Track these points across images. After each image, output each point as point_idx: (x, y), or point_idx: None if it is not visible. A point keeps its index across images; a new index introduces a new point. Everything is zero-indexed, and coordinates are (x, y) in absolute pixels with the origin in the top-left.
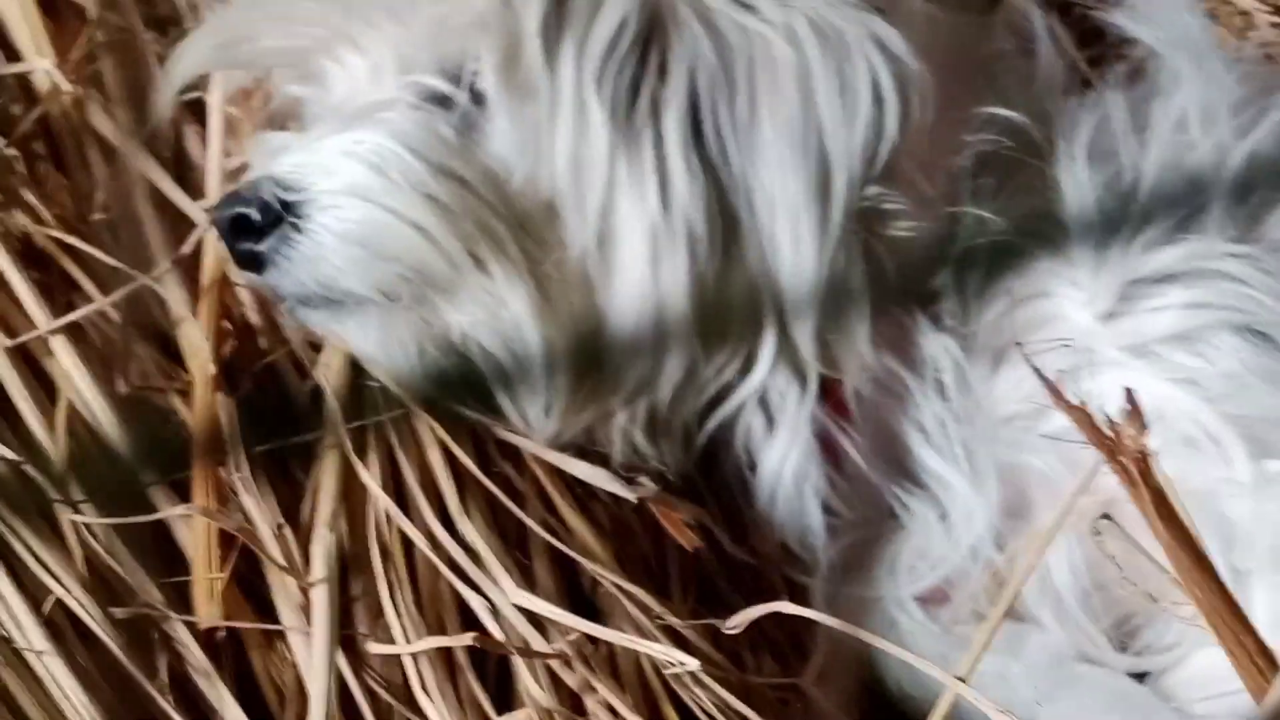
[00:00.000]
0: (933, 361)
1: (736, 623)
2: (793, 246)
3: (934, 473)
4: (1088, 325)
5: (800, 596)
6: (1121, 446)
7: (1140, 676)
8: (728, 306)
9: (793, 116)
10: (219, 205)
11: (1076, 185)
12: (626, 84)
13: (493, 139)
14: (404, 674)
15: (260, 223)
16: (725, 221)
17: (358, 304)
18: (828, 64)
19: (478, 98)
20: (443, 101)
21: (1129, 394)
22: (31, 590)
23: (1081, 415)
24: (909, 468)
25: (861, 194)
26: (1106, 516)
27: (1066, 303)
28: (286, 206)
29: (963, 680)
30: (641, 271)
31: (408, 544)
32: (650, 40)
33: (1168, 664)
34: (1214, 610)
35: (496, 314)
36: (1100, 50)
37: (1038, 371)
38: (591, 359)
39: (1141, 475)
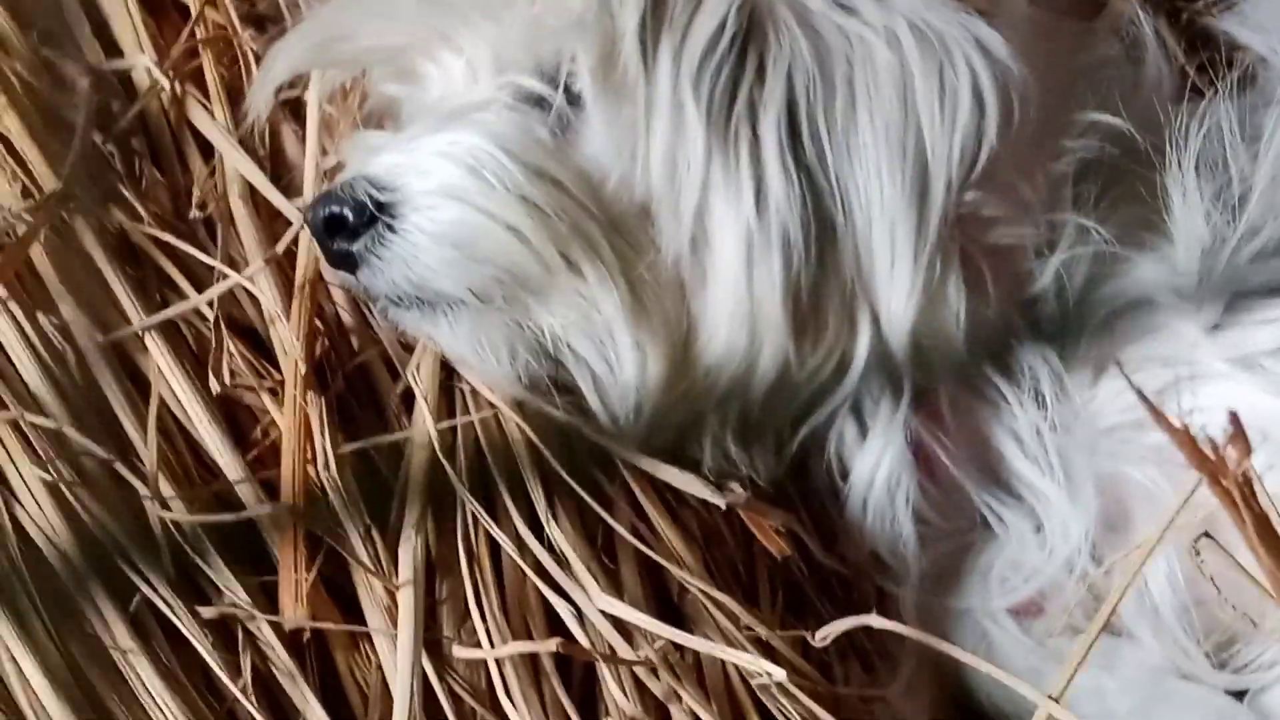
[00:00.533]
0: (1030, 370)
1: (825, 634)
2: (889, 251)
3: (1029, 483)
4: (1193, 336)
5: (891, 605)
6: (1224, 469)
7: (1239, 695)
8: (821, 311)
9: (891, 120)
10: (313, 204)
11: (1184, 194)
12: (724, 86)
13: (588, 140)
14: (489, 678)
15: (354, 222)
16: (820, 226)
17: (450, 305)
18: (928, 67)
19: (573, 99)
20: (538, 102)
21: (1233, 416)
22: (119, 589)
23: (1183, 436)
24: (1003, 477)
25: (960, 199)
26: (1207, 535)
27: (1172, 313)
28: (380, 206)
29: (1055, 700)
30: (736, 275)
31: (495, 547)
32: (748, 41)
33: (1267, 682)
34: None
35: (589, 316)
36: (1209, 56)
37: (1137, 390)
38: (683, 363)
39: (1244, 499)
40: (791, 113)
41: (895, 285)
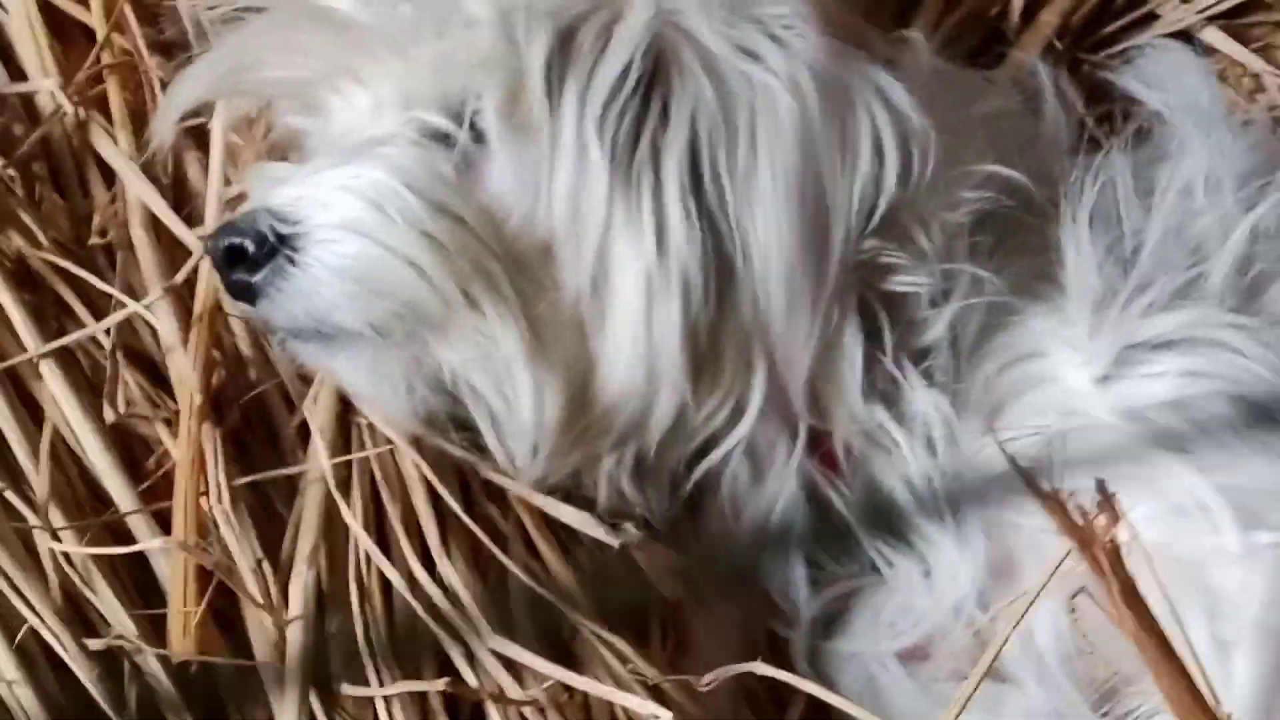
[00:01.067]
0: (923, 417)
1: (711, 679)
2: (786, 297)
3: (919, 529)
4: (1082, 387)
5: (781, 648)
6: (1093, 537)
7: None
8: (719, 354)
9: (792, 166)
10: (214, 235)
11: (1078, 247)
12: (628, 128)
13: (492, 178)
14: (376, 716)
15: (255, 254)
16: (720, 269)
17: (349, 339)
18: (829, 116)
19: (478, 136)
20: (443, 138)
21: (1100, 484)
22: (6, 618)
23: (1054, 504)
24: (894, 523)
25: (858, 247)
26: (1084, 590)
27: (1062, 364)
28: (281, 239)
29: None
30: (635, 316)
31: (387, 583)
32: (653, 84)
33: None
34: (1181, 704)
35: (488, 353)
36: (1107, 109)
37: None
38: (581, 402)
39: (1111, 567)
40: (694, 156)
41: (792, 330)
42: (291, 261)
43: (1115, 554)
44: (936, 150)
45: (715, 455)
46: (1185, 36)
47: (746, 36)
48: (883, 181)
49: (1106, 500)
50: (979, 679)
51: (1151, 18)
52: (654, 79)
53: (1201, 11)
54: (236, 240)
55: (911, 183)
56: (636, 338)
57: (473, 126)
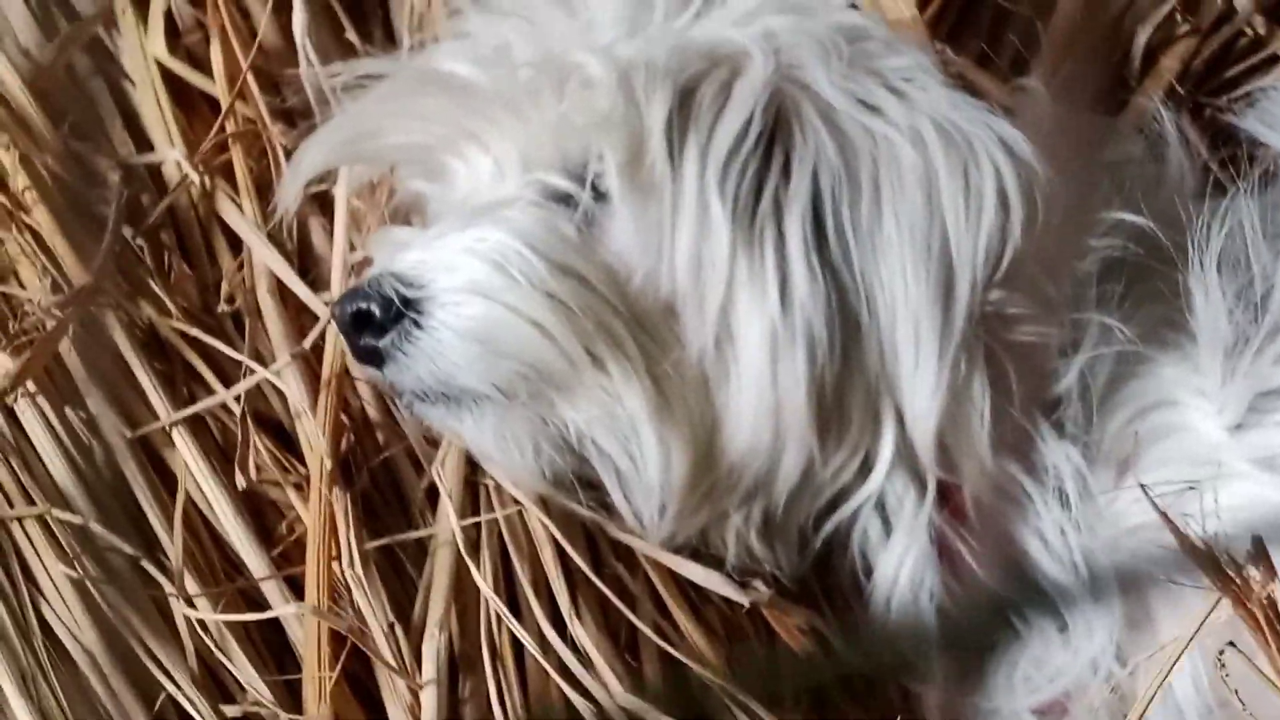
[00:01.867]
0: (1054, 469)
1: None
2: (913, 349)
3: (1053, 582)
4: (1216, 437)
5: (915, 705)
6: (1248, 591)
7: None
8: (845, 408)
9: (916, 219)
10: (340, 300)
11: (1207, 293)
12: (749, 184)
13: (614, 237)
14: None
15: (381, 319)
16: (845, 323)
17: (475, 401)
18: (953, 167)
19: (600, 196)
20: (565, 199)
21: (1256, 540)
22: (144, 685)
23: (1207, 557)
24: (1027, 576)
25: (985, 298)
26: (1231, 644)
27: (1194, 413)
28: (407, 303)
29: None
30: (760, 372)
31: (518, 645)
32: (774, 140)
33: None
34: None
35: (613, 412)
36: (1231, 152)
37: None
38: (707, 459)
39: (1269, 622)
40: (817, 210)
41: (920, 383)
42: (417, 325)
43: (1273, 610)
44: (1061, 198)
45: (844, 511)
46: None
47: (866, 89)
48: (1009, 232)
49: (1262, 555)
50: None
51: (1274, 60)
52: (775, 134)
53: None
54: (363, 305)
55: (1036, 232)
56: (762, 393)
57: (594, 186)
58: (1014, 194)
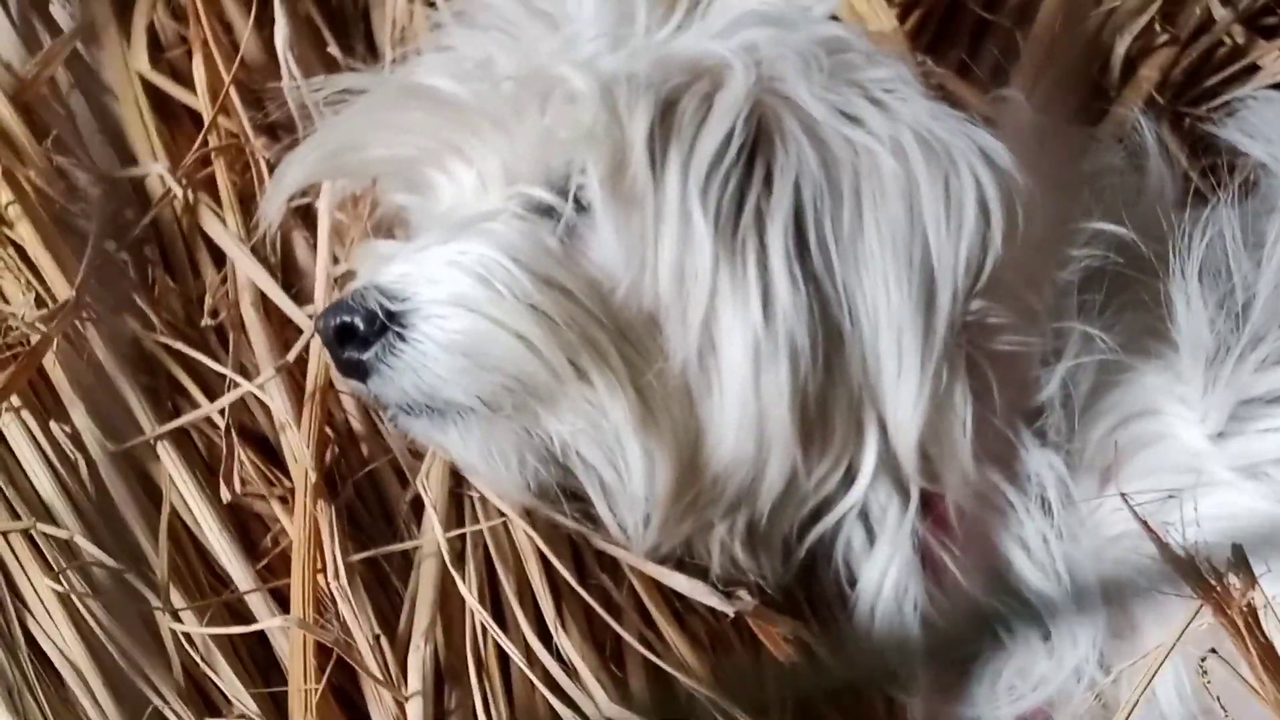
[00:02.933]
0: (1037, 477)
1: None
2: (895, 359)
3: (1036, 590)
4: (1198, 445)
5: (899, 714)
6: (1228, 599)
7: None
8: (829, 418)
9: (898, 229)
10: (324, 314)
11: (1188, 302)
12: (731, 195)
13: (597, 249)
14: None
15: (365, 331)
16: (827, 334)
17: (460, 413)
18: (934, 177)
19: (582, 208)
20: (547, 212)
21: (1236, 548)
22: (131, 699)
23: (1187, 566)
24: (1011, 584)
25: (967, 307)
26: (1213, 651)
27: (1176, 421)
28: (391, 316)
29: None
30: (744, 382)
31: (504, 656)
32: (755, 151)
33: None
34: None
35: (598, 424)
36: (1211, 162)
37: (1142, 521)
38: (692, 470)
39: (1248, 629)
40: (799, 221)
41: (902, 393)
42: (401, 338)
43: (1254, 618)
44: (1042, 208)
45: (828, 520)
46: None
47: (847, 101)
48: (989, 241)
49: (1242, 563)
50: None
51: (1253, 69)
52: (756, 145)
53: None
54: (347, 319)
55: (1017, 241)
56: (745, 404)
57: (577, 199)
58: (995, 204)
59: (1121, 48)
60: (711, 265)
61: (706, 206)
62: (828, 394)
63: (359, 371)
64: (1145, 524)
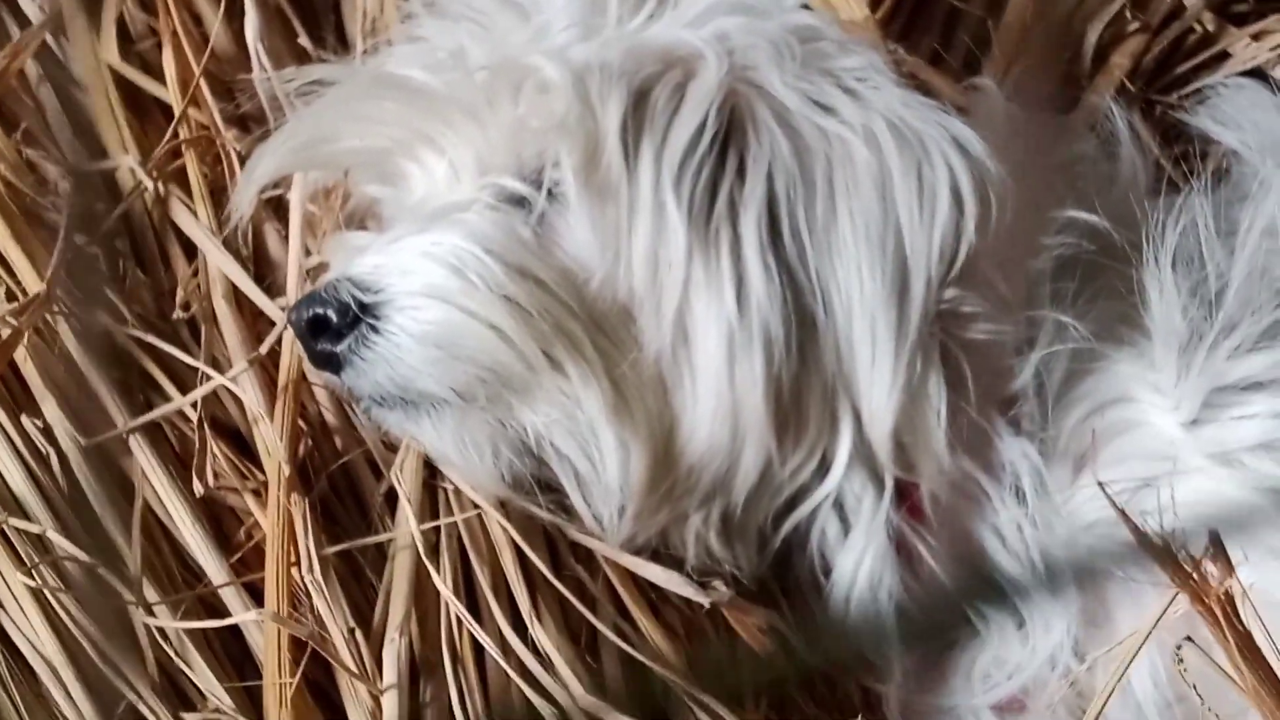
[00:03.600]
0: (1011, 466)
1: None
2: (869, 348)
3: (1010, 579)
4: (1172, 432)
5: (876, 704)
6: (1206, 587)
7: None
8: (803, 408)
9: (871, 217)
10: (297, 305)
11: (1161, 290)
12: (704, 185)
13: (570, 240)
14: None
15: (338, 324)
16: (801, 322)
17: (434, 405)
18: (906, 165)
19: (555, 199)
20: (520, 202)
21: (1213, 535)
22: (104, 694)
23: (1163, 554)
24: (985, 572)
25: (940, 296)
26: (1189, 639)
27: (1150, 409)
28: (364, 308)
29: None
30: (718, 372)
31: (479, 647)
32: (729, 141)
33: None
34: None
35: (572, 415)
36: (1184, 149)
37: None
38: (666, 460)
39: (1226, 618)
40: (772, 211)
41: (876, 381)
42: (374, 330)
43: (1231, 605)
44: (1014, 196)
45: (803, 510)
46: (1259, 74)
47: (820, 90)
48: (962, 229)
49: (1219, 551)
50: None
51: (1224, 56)
52: (729, 135)
53: (1275, 49)
54: (319, 310)
55: (991, 230)
56: (720, 394)
57: (550, 190)
58: (968, 192)
59: (1093, 35)
60: (685, 255)
61: (680, 196)
62: (802, 383)
63: (332, 364)
64: (1121, 511)
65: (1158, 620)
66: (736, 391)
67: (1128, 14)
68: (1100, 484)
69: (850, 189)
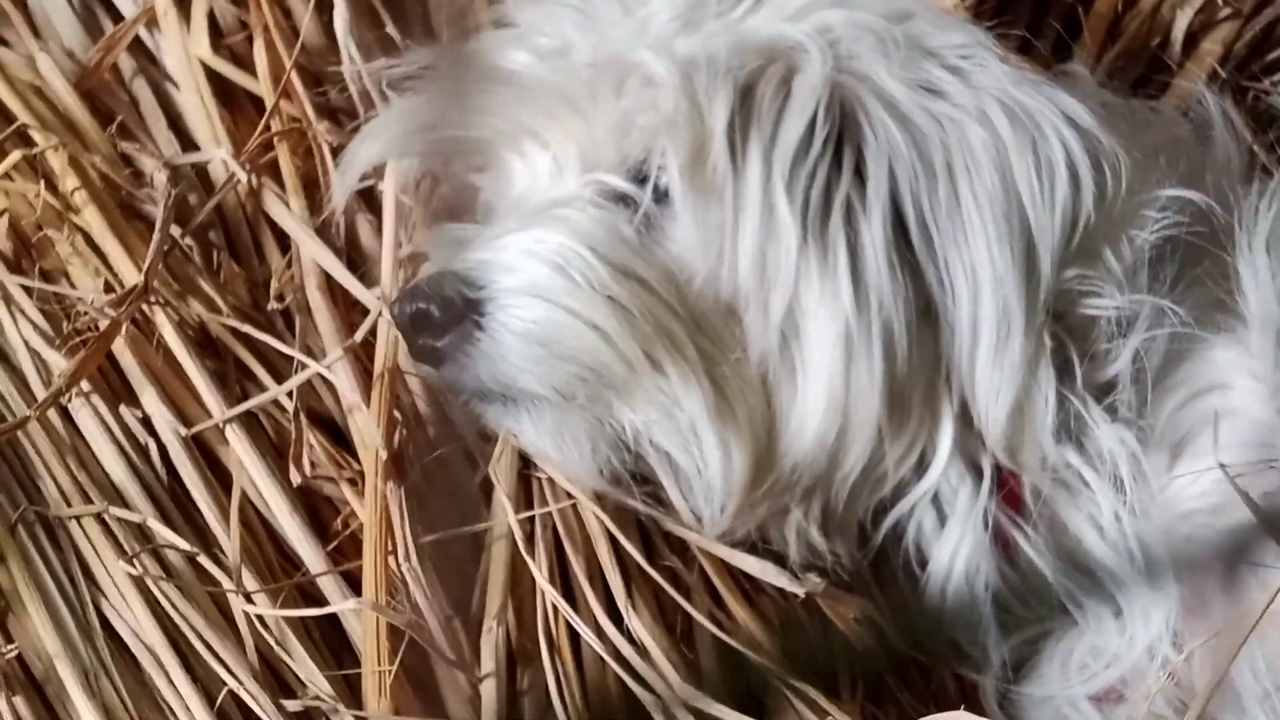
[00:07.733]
0: (1109, 454)
1: None
2: (998, 330)
3: (1108, 569)
4: (1270, 420)
5: (971, 694)
6: None
7: None
8: (906, 403)
9: (995, 197)
10: (399, 299)
11: (1256, 276)
12: (820, 185)
13: (674, 239)
14: None
15: (440, 319)
16: (919, 317)
17: (533, 402)
18: (1021, 143)
19: (660, 197)
20: (624, 200)
21: None
22: (205, 682)
23: None
24: (1083, 563)
25: (1062, 273)
26: None
27: (1247, 396)
28: (468, 304)
29: None
30: (832, 372)
31: (575, 636)
32: (843, 139)
33: None
34: None
35: (672, 414)
36: (1277, 134)
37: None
38: (768, 458)
39: None
40: (896, 205)
41: (1004, 363)
42: (478, 326)
43: None
44: (1124, 170)
45: (904, 505)
46: None
47: (926, 73)
48: (1080, 203)
49: None
50: None
51: None
52: (842, 134)
53: None
54: (423, 305)
55: (1106, 202)
56: (834, 394)
57: (655, 187)
58: (1083, 165)
59: (1183, 21)
60: (796, 256)
61: (793, 196)
62: (908, 379)
63: (433, 358)
64: (1247, 497)
65: (1263, 612)
66: (852, 390)
67: (1219, 1)
68: (1222, 466)
69: (971, 171)
